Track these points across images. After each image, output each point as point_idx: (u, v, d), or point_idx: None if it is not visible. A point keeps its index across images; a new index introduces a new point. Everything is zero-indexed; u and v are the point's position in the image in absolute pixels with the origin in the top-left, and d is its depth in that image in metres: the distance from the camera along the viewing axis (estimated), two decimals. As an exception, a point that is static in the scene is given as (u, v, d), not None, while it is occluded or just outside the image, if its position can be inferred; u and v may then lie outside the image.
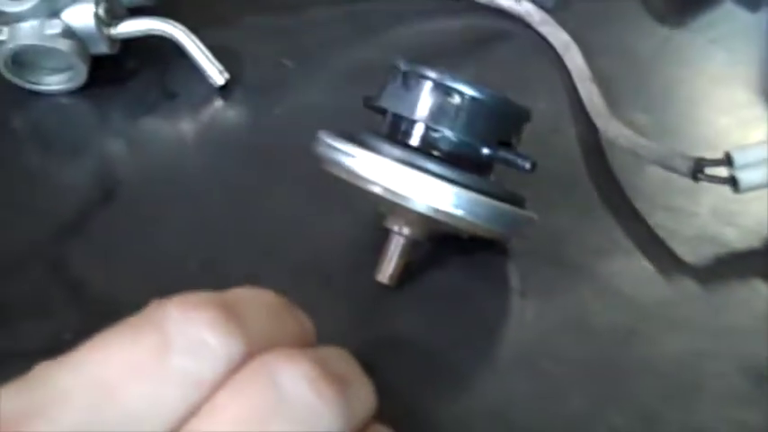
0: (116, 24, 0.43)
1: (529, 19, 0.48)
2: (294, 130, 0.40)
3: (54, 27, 0.41)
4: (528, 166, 0.33)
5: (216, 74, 0.43)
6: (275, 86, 0.44)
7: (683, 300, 0.35)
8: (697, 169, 0.36)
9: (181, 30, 0.43)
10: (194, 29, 0.43)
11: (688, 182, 0.36)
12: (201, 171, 0.40)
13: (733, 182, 0.36)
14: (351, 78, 0.44)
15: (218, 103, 0.43)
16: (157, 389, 0.21)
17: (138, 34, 0.43)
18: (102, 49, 0.42)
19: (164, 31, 0.43)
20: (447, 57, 0.45)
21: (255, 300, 0.25)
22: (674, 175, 0.37)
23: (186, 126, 0.43)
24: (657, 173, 0.38)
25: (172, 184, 0.40)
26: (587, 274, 0.35)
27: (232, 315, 0.22)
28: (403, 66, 0.33)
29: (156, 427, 0.21)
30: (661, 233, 0.37)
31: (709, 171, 0.36)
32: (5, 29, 0.41)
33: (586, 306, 0.34)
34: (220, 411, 0.22)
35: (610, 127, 0.40)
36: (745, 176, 0.36)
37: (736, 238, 0.37)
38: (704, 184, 0.36)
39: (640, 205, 0.38)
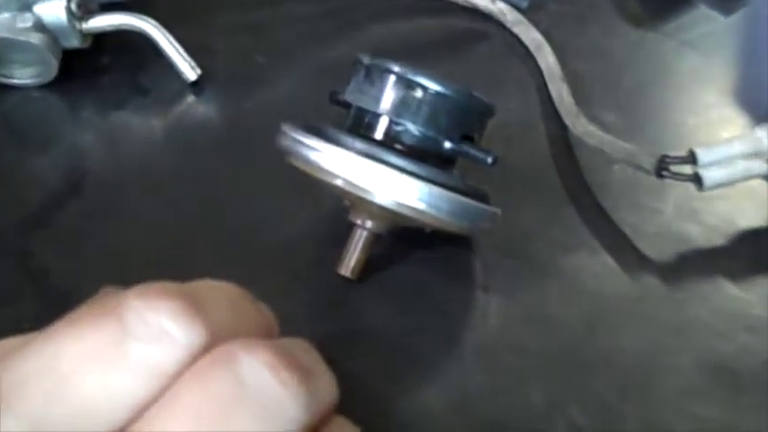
0: (88, 19, 0.43)
1: (502, 19, 0.48)
2: (264, 126, 0.40)
3: (25, 21, 0.41)
4: (490, 160, 0.33)
5: (188, 69, 0.43)
6: (247, 82, 0.44)
7: (645, 295, 0.35)
8: (661, 167, 0.36)
9: (153, 25, 0.43)
10: (167, 24, 0.43)
11: (653, 180, 0.36)
12: (170, 165, 0.40)
13: (697, 179, 0.36)
14: (323, 74, 0.44)
15: (190, 98, 0.43)
16: (116, 378, 0.21)
17: (110, 29, 0.43)
18: (74, 43, 0.43)
19: (136, 27, 0.43)
20: (420, 54, 0.45)
21: (217, 291, 0.25)
22: (640, 174, 0.37)
23: (156, 121, 0.43)
24: (623, 171, 0.38)
25: (140, 178, 0.40)
26: (551, 269, 0.36)
27: (194, 305, 0.22)
28: (366, 60, 0.33)
29: (115, 417, 0.21)
30: (625, 230, 0.37)
31: (674, 169, 0.36)
32: None
33: (549, 301, 0.34)
34: (180, 400, 0.21)
35: (578, 125, 0.40)
36: (708, 174, 0.36)
37: (700, 235, 0.37)
38: (669, 182, 0.36)
39: (605, 202, 0.38)
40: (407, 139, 0.33)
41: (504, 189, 0.35)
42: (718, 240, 0.37)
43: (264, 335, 0.25)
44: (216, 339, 0.22)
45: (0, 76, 0.43)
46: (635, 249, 0.36)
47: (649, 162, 0.36)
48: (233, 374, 0.22)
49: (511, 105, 0.42)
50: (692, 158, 0.36)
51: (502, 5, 0.48)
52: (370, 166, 0.32)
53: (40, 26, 0.41)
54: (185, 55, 0.43)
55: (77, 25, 0.42)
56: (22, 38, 0.41)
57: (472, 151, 0.33)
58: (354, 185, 0.32)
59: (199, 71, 0.43)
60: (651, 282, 0.35)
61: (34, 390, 0.21)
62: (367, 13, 0.48)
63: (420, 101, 0.33)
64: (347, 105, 0.34)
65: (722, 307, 0.34)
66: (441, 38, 0.48)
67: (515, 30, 0.47)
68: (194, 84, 0.43)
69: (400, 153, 0.33)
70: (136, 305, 0.22)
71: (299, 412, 0.22)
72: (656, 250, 0.36)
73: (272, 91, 0.44)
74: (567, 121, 0.41)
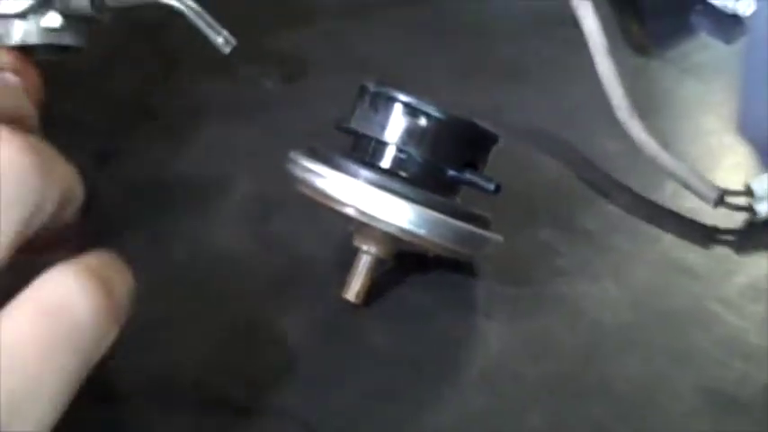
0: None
1: None
2: (269, 151, 0.41)
3: (53, 21, 0.39)
4: (492, 187, 0.34)
5: (221, 41, 0.42)
6: (254, 107, 0.45)
7: (645, 323, 0.35)
8: (721, 199, 0.38)
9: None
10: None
11: (652, 207, 0.37)
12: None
13: (752, 210, 0.38)
14: (330, 97, 0.44)
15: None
16: None
17: (135, 4, 0.42)
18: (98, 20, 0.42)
19: (163, 2, 0.42)
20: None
21: None
22: (640, 201, 0.38)
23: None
24: (624, 197, 0.39)
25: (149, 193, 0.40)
26: (552, 296, 0.36)
27: None
28: (371, 87, 0.34)
29: None
30: (625, 257, 0.38)
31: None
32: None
33: (550, 327, 0.35)
34: None
35: (642, 137, 0.40)
36: (762, 207, 0.38)
37: (699, 262, 0.37)
38: (668, 211, 0.37)
39: (605, 229, 0.39)
40: (411, 167, 0.34)
41: (507, 216, 0.35)
42: (716, 268, 0.37)
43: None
44: None
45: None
46: (635, 277, 0.37)
47: (710, 192, 0.38)
48: None
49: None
50: (749, 192, 0.38)
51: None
52: (375, 194, 0.32)
53: (66, 18, 0.40)
54: (218, 27, 0.42)
55: (99, 7, 0.40)
56: (54, 41, 0.40)
57: (475, 179, 0.34)
58: (360, 212, 0.33)
59: (234, 42, 0.42)
60: (651, 309, 0.36)
61: None
62: (373, 38, 0.49)
63: (424, 129, 0.33)
64: (352, 132, 0.35)
65: (720, 335, 0.35)
66: (451, 62, 0.48)
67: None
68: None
69: (404, 180, 0.33)
70: None
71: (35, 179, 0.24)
72: (655, 278, 0.37)
73: (278, 115, 0.44)
74: (624, 124, 0.41)
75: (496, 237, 0.34)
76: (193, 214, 0.39)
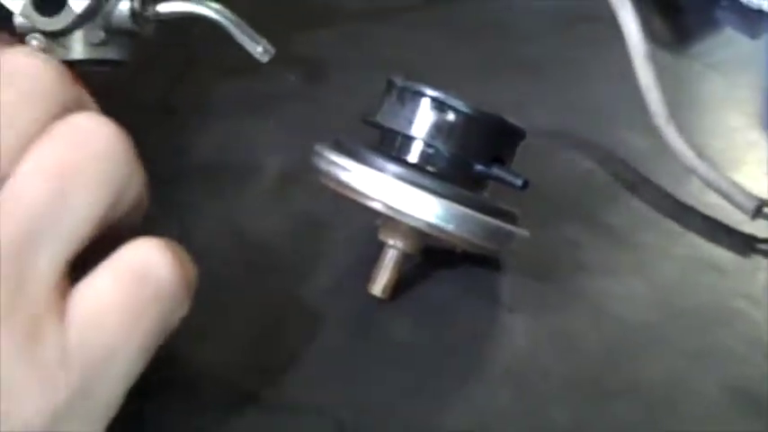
0: (151, 9, 0.41)
1: None
2: (291, 143, 0.41)
3: (97, 36, 0.40)
4: (519, 183, 0.34)
5: (260, 50, 0.42)
6: (277, 99, 0.45)
7: (670, 320, 0.35)
8: (759, 210, 0.38)
9: (216, 9, 0.41)
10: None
11: (677, 204, 0.37)
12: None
13: None
14: (353, 93, 0.44)
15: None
16: None
17: (174, 17, 0.42)
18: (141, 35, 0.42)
19: (200, 13, 0.42)
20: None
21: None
22: (665, 196, 0.38)
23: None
24: (649, 193, 0.39)
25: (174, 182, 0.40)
26: (577, 291, 0.36)
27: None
28: (399, 82, 0.34)
29: None
30: (650, 253, 0.37)
31: None
32: (42, 38, 0.39)
33: (574, 324, 0.35)
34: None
35: (678, 145, 0.40)
36: None
37: (724, 259, 0.37)
38: (693, 206, 0.37)
39: (631, 225, 0.39)
40: (439, 162, 0.34)
41: (532, 211, 0.35)
42: (742, 264, 0.37)
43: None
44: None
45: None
46: (660, 273, 0.37)
47: (748, 202, 0.38)
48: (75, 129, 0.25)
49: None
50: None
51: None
52: (402, 189, 0.32)
53: (108, 34, 0.40)
54: (257, 36, 0.42)
55: (141, 22, 0.41)
56: (97, 56, 0.40)
57: (502, 174, 0.34)
58: (387, 207, 0.33)
59: (272, 51, 0.43)
60: (675, 306, 0.36)
61: None
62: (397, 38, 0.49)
63: (451, 124, 0.33)
64: (379, 126, 0.35)
65: (746, 332, 0.35)
66: (472, 60, 0.48)
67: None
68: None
69: (432, 175, 0.33)
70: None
71: (62, 88, 0.25)
72: (681, 274, 0.37)
73: (303, 108, 0.44)
74: (664, 134, 0.40)
75: (523, 232, 0.34)
76: (217, 206, 0.39)
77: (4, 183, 0.24)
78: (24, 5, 0.39)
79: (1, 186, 0.24)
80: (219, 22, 0.42)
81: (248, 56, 0.42)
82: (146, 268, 0.24)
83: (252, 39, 0.42)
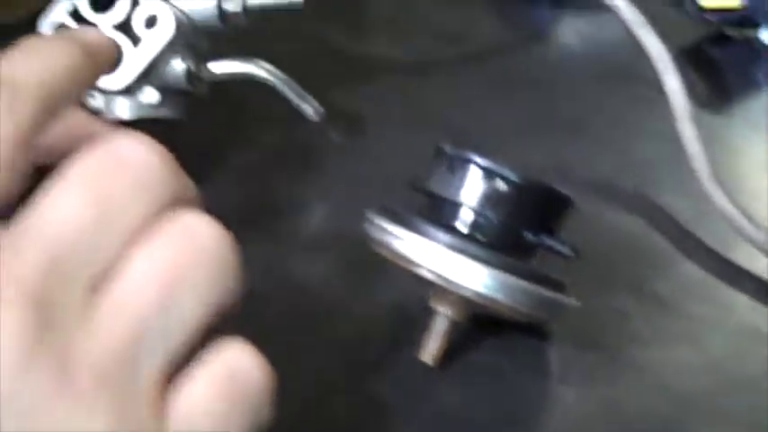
0: (205, 70, 0.42)
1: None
2: (342, 206, 0.42)
3: (152, 97, 0.41)
4: (570, 253, 0.34)
5: (310, 110, 0.43)
6: (319, 151, 0.45)
7: (721, 390, 0.35)
8: None
9: (269, 69, 0.43)
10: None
11: (726, 269, 0.37)
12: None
13: None
14: (393, 148, 0.45)
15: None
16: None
17: (227, 78, 0.43)
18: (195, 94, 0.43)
19: (253, 73, 0.43)
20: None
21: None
22: (713, 262, 0.37)
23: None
24: (696, 259, 0.39)
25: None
26: (626, 361, 0.36)
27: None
28: (449, 150, 0.34)
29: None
30: (700, 321, 0.37)
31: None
32: (99, 96, 0.41)
33: (624, 394, 0.35)
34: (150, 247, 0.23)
35: (725, 206, 0.40)
36: None
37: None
38: (743, 272, 0.37)
39: (680, 292, 0.38)
40: (488, 230, 0.34)
41: (580, 278, 0.35)
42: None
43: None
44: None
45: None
46: (711, 342, 0.36)
47: None
48: (114, 147, 0.24)
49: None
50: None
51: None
52: (453, 258, 0.32)
53: (163, 94, 0.41)
54: (308, 97, 0.43)
55: (196, 82, 0.42)
56: (152, 115, 0.41)
57: (552, 243, 0.34)
58: (437, 275, 0.33)
59: (322, 111, 0.43)
60: (727, 375, 0.35)
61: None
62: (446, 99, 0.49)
63: (502, 193, 0.33)
64: (429, 194, 0.35)
65: (799, 404, 0.34)
66: (514, 117, 0.48)
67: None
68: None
69: (481, 244, 0.33)
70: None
71: (173, 179, 0.24)
72: (732, 344, 0.36)
73: (345, 162, 0.45)
74: (706, 191, 0.40)
75: (573, 302, 0.34)
76: (257, 258, 0.39)
77: (109, 275, 0.23)
78: None
79: (106, 278, 0.23)
80: (272, 82, 0.43)
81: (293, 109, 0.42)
82: (241, 373, 0.24)
83: (302, 98, 0.43)
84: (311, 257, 0.40)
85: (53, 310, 0.22)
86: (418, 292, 0.35)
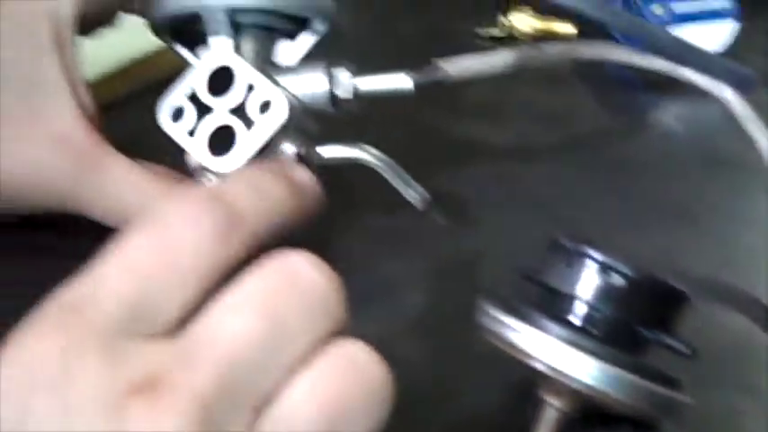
0: (314, 153, 0.43)
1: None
2: (442, 289, 0.42)
3: None
4: (688, 352, 0.33)
5: (417, 198, 0.44)
6: (423, 238, 0.45)
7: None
8: None
9: (376, 155, 0.43)
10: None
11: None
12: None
13: None
14: (496, 232, 0.45)
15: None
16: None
17: (334, 163, 0.44)
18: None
19: (361, 159, 0.44)
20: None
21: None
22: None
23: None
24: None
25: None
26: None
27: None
28: (566, 243, 0.34)
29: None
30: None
31: None
32: (213, 178, 0.41)
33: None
34: (242, 292, 0.24)
35: None
36: None
37: None
38: None
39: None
40: (603, 324, 0.34)
41: (691, 373, 0.35)
42: None
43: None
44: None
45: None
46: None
47: None
48: (286, 271, 0.24)
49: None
50: None
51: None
52: (568, 352, 0.32)
53: None
54: (414, 184, 0.43)
55: (305, 164, 0.42)
56: None
57: (669, 341, 0.34)
58: (549, 367, 0.33)
59: (429, 198, 0.43)
60: None
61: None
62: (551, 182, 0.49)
63: (619, 288, 0.33)
64: (544, 286, 0.35)
65: None
66: (617, 203, 0.48)
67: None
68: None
69: (594, 338, 0.33)
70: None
71: (339, 306, 0.25)
72: None
73: (454, 253, 0.45)
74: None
75: (686, 399, 0.34)
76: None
77: (272, 398, 0.23)
78: (200, 147, 0.41)
79: (268, 401, 0.23)
80: (379, 167, 0.43)
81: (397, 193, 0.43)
82: (365, 363, 0.24)
83: (408, 185, 0.43)
84: (417, 341, 0.40)
85: (219, 427, 0.22)
86: (527, 382, 0.35)
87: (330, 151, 0.44)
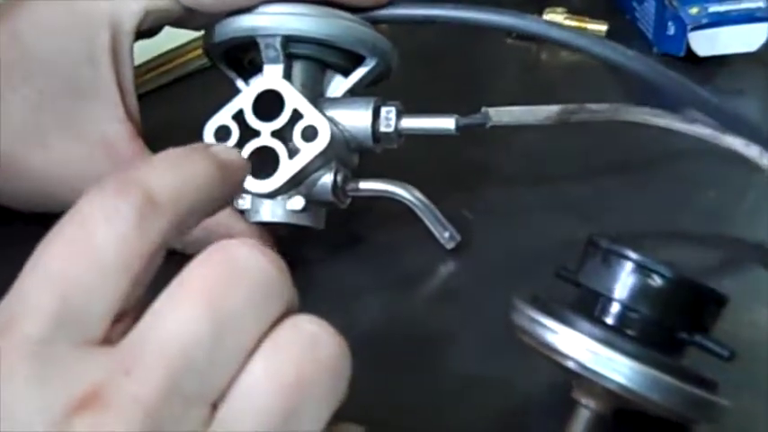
0: (349, 186, 0.43)
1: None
2: (477, 285, 0.42)
3: (297, 204, 0.42)
4: (726, 354, 0.33)
5: (446, 237, 0.44)
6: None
7: None
8: None
9: (408, 190, 0.44)
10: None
11: None
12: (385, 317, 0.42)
13: None
14: (538, 239, 0.45)
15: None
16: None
17: (369, 194, 0.44)
18: (335, 206, 0.44)
19: (394, 193, 0.44)
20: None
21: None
22: None
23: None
24: None
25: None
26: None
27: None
28: (604, 244, 0.34)
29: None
30: None
31: None
32: (248, 198, 0.42)
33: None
34: (187, 284, 0.23)
35: None
36: None
37: None
38: None
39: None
40: (640, 326, 0.33)
41: (735, 379, 0.34)
42: None
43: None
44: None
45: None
46: None
47: None
48: (229, 259, 0.24)
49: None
50: None
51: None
52: (605, 353, 0.32)
53: (308, 202, 0.42)
54: (445, 222, 0.44)
55: (341, 195, 0.43)
56: (295, 221, 0.42)
57: (707, 343, 0.33)
58: (585, 368, 0.32)
59: (458, 238, 0.44)
60: None
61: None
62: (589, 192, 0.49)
63: (656, 290, 0.33)
64: (580, 286, 0.35)
65: None
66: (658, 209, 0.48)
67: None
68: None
69: (632, 339, 0.33)
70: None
71: (285, 286, 0.24)
72: None
73: (480, 249, 0.45)
74: None
75: (723, 402, 0.33)
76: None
77: (228, 389, 0.23)
78: None
79: (225, 393, 0.23)
80: (414, 206, 0.43)
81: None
82: (324, 347, 0.24)
83: (440, 224, 0.43)
84: (452, 336, 0.40)
85: (171, 428, 0.22)
86: (562, 382, 0.35)
87: (369, 185, 0.44)
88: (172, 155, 0.26)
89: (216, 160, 0.26)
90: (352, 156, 0.45)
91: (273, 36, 0.42)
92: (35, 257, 0.23)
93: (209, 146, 0.27)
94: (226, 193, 0.27)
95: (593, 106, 0.47)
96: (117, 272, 0.23)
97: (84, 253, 0.23)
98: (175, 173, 0.25)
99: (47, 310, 0.22)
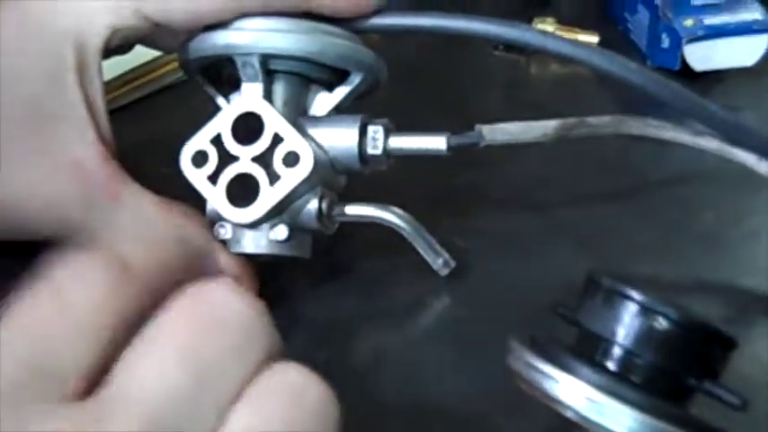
0: (337, 212, 0.41)
1: None
2: (471, 319, 0.40)
3: (280, 233, 0.40)
4: (737, 402, 0.31)
5: (439, 263, 0.42)
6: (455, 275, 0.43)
7: None
8: None
9: (399, 215, 0.41)
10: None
11: None
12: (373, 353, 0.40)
13: None
14: (531, 268, 0.43)
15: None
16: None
17: (358, 220, 0.42)
18: (321, 233, 0.42)
19: (384, 219, 0.42)
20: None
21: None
22: None
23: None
24: None
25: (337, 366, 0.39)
26: None
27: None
28: (606, 283, 0.32)
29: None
30: None
31: None
32: (229, 227, 0.40)
33: None
34: (162, 329, 0.23)
35: None
36: None
37: None
38: None
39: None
40: (644, 372, 0.31)
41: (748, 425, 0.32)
42: None
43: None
44: None
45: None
46: None
47: None
48: (205, 305, 0.23)
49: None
50: None
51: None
52: (602, 400, 0.30)
53: (292, 231, 0.40)
54: (438, 248, 0.42)
55: (326, 222, 0.41)
56: (279, 252, 0.40)
57: (717, 391, 0.31)
58: (585, 419, 0.30)
59: (452, 265, 0.42)
60: None
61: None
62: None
63: (662, 333, 0.31)
64: (578, 325, 0.33)
65: None
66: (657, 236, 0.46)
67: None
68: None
69: (634, 386, 0.31)
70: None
71: (266, 331, 0.23)
72: None
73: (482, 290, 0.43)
74: None
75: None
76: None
77: None
78: (219, 195, 0.39)
79: None
80: (404, 230, 0.41)
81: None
82: (301, 387, 0.23)
83: (433, 250, 0.41)
84: (443, 376, 0.38)
85: None
86: (561, 427, 0.33)
87: (356, 210, 0.42)
88: (144, 221, 0.26)
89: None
90: (339, 178, 0.42)
91: (250, 54, 0.40)
92: (12, 311, 0.23)
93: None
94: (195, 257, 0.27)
95: (594, 120, 0.45)
96: (94, 333, 0.23)
97: (62, 312, 0.23)
98: (148, 240, 0.26)
99: (25, 360, 0.22)
